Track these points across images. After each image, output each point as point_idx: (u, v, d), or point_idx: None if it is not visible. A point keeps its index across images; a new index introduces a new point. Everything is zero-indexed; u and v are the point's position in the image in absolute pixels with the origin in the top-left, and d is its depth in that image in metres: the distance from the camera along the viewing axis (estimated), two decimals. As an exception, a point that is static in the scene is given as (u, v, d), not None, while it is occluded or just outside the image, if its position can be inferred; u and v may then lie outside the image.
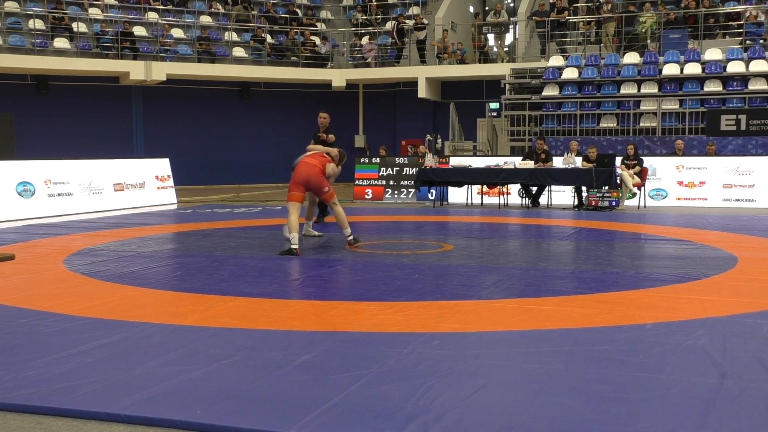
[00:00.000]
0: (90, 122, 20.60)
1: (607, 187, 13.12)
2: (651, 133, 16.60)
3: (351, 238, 8.04)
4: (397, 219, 11.60)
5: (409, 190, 15.57)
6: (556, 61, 19.14)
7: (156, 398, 3.24)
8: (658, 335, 4.27)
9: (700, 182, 14.12)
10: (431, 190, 14.77)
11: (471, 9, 24.19)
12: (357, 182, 16.10)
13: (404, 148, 21.63)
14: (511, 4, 24.41)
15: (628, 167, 13.68)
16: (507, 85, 19.20)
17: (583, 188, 13.47)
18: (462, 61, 21.13)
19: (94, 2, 20.79)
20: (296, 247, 7.53)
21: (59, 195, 12.40)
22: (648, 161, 14.13)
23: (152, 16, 21.24)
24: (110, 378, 3.52)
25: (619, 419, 2.98)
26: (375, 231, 10.00)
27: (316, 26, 23.50)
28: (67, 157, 13.71)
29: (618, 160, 13.76)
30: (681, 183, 14.25)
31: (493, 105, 19.49)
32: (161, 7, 21.66)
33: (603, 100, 17.69)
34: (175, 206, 14.50)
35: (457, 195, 15.16)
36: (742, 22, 18.54)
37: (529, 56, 20.76)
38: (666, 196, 14.27)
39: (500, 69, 20.28)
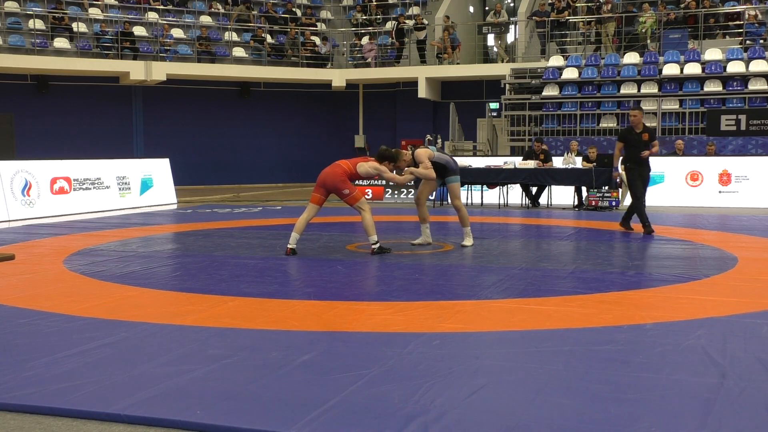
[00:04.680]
0: (90, 122, 20.59)
1: (607, 187, 13.12)
2: (651, 133, 16.58)
3: (375, 246, 7.54)
4: (397, 219, 11.60)
5: (409, 190, 15.55)
6: (556, 61, 19.14)
7: (156, 398, 3.24)
8: (658, 335, 4.28)
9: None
10: (431, 190, 14.74)
11: (471, 9, 24.19)
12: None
13: (404, 149, 21.59)
14: (511, 4, 24.41)
15: (628, 167, 13.67)
16: (507, 85, 19.20)
17: (583, 188, 13.47)
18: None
19: (94, 2, 20.78)
20: (292, 246, 7.56)
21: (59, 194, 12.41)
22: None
23: (152, 16, 21.24)
24: (110, 378, 3.52)
25: (619, 419, 2.98)
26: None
27: (316, 26, 23.50)
28: (69, 158, 13.72)
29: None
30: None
31: (493, 105, 19.48)
32: (161, 7, 21.65)
33: (603, 100, 17.69)
34: (175, 206, 14.50)
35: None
36: (742, 22, 18.54)
37: (529, 56, 20.76)
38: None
39: (500, 69, 20.29)
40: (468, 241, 8.31)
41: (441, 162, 8.20)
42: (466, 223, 8.38)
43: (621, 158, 13.89)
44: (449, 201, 8.53)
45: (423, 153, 8.11)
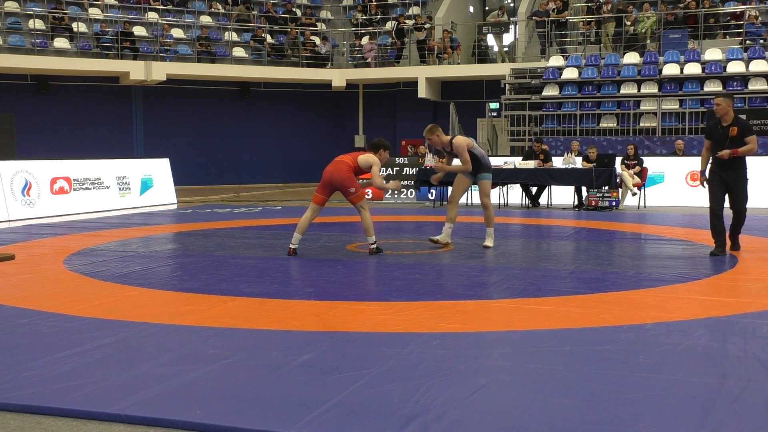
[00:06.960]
0: (90, 122, 20.60)
1: (607, 187, 13.12)
2: (651, 133, 16.59)
3: (374, 246, 7.59)
4: (397, 219, 11.60)
5: (409, 190, 15.56)
6: (556, 61, 19.14)
7: (156, 398, 3.24)
8: (658, 335, 4.27)
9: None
10: (431, 190, 14.76)
11: (471, 9, 24.20)
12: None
13: (404, 148, 21.62)
14: (511, 4, 24.42)
15: (628, 167, 13.68)
16: (507, 85, 19.20)
17: (583, 188, 13.47)
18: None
19: (94, 2, 20.78)
20: (294, 247, 7.54)
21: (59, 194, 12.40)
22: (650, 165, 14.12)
23: (152, 16, 21.24)
24: (110, 378, 3.52)
25: (619, 419, 2.98)
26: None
27: (316, 26, 23.50)
28: (69, 158, 13.72)
29: (618, 160, 13.75)
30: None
31: (493, 105, 19.49)
32: (161, 7, 21.66)
33: (603, 100, 17.69)
34: (175, 206, 14.50)
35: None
36: (742, 22, 18.54)
37: (529, 56, 20.76)
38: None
39: (500, 69, 20.29)
40: (489, 242, 8.09)
41: (476, 154, 7.83)
42: (490, 223, 8.11)
43: (621, 158, 13.92)
44: (478, 199, 8.05)
45: (462, 142, 7.70)
